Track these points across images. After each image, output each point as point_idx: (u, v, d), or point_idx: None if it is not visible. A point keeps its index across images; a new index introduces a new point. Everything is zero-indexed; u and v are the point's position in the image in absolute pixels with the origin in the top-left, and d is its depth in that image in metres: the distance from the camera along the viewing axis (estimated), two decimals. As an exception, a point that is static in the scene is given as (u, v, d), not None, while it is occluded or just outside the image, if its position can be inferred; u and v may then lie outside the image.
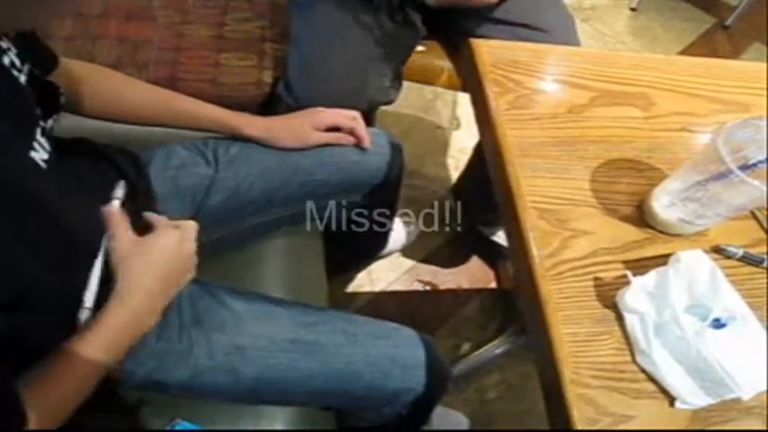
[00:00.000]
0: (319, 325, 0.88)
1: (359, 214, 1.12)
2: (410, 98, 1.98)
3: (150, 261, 0.71)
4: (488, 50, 0.87)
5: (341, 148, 1.01)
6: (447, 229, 1.74)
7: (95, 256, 0.70)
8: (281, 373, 0.83)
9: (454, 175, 1.85)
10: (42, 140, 0.64)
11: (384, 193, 1.11)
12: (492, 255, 1.71)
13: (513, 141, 0.79)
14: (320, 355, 0.84)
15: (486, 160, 0.82)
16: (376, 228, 1.40)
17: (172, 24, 1.27)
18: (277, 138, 0.96)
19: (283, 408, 0.89)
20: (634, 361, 0.67)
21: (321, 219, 1.09)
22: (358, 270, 1.63)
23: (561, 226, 0.74)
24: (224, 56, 1.25)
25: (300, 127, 0.98)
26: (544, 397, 0.68)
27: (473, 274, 1.69)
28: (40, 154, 0.62)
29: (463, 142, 1.92)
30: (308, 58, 1.14)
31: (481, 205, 1.60)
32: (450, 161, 1.90)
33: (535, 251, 0.71)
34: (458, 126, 1.97)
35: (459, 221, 1.74)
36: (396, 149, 1.08)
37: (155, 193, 0.90)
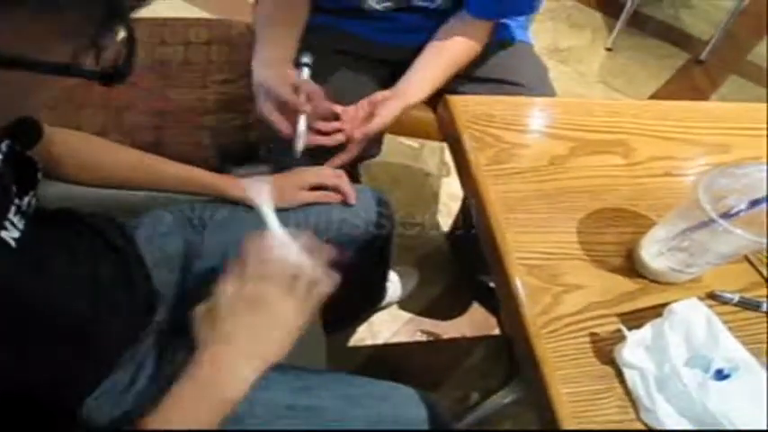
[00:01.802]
0: (317, 389, 0.86)
1: (351, 271, 1.11)
2: (397, 147, 1.99)
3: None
4: (465, 107, 0.87)
5: (326, 207, 1.01)
6: (445, 276, 1.73)
7: (84, 326, 0.69)
8: None
9: (447, 221, 1.84)
10: (15, 219, 0.63)
11: (375, 249, 1.11)
12: (493, 302, 1.69)
13: (496, 197, 0.78)
14: (319, 420, 0.82)
15: (472, 216, 0.81)
16: (370, 283, 1.40)
17: (155, 89, 1.28)
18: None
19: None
20: (639, 418, 0.65)
21: None
22: (357, 324, 1.61)
23: (552, 281, 0.72)
24: (207, 118, 1.26)
25: (286, 187, 0.98)
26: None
27: (475, 322, 1.67)
28: (10, 233, 0.62)
29: (453, 188, 1.93)
30: None
31: (476, 253, 1.58)
32: (441, 208, 1.90)
33: (527, 309, 0.69)
34: (447, 173, 1.98)
35: (456, 269, 1.73)
36: (383, 205, 1.07)
37: (144, 261, 0.89)
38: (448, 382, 1.54)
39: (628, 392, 0.66)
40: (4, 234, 0.61)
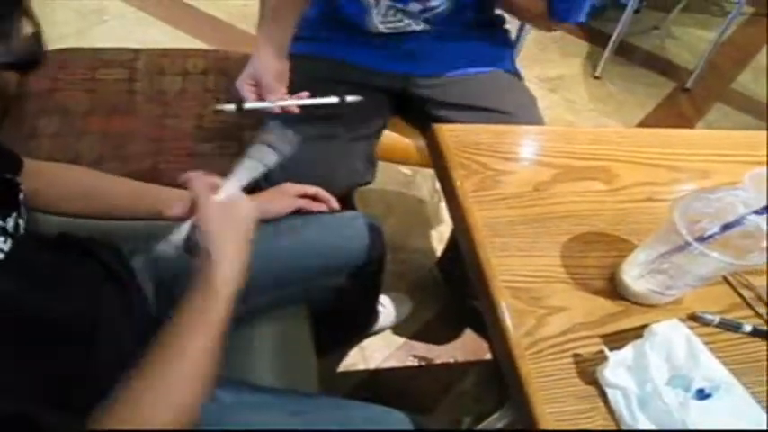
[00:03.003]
0: (310, 413, 0.86)
1: (343, 296, 1.12)
2: (390, 174, 2.03)
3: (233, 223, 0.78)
4: (452, 135, 0.90)
5: (320, 234, 1.03)
6: (438, 301, 1.74)
7: (83, 352, 0.70)
8: None
9: (439, 247, 1.86)
10: None
11: (367, 275, 1.12)
12: (484, 326, 1.69)
13: (481, 222, 0.80)
14: None
15: (459, 242, 0.83)
16: (362, 308, 1.41)
17: (153, 118, 1.31)
18: (263, 207, 0.97)
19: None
20: (621, 436, 0.66)
21: (305, 302, 1.09)
22: (348, 348, 1.62)
23: (536, 304, 0.74)
24: (203, 146, 1.29)
25: (276, 195, 1.02)
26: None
27: (468, 347, 1.68)
28: None
29: (446, 215, 1.94)
30: None
31: (466, 279, 1.60)
32: (434, 234, 1.92)
33: (512, 331, 0.71)
34: (440, 199, 2.00)
35: (448, 294, 1.74)
36: (375, 231, 1.09)
37: (142, 288, 0.90)
38: (440, 406, 1.55)
39: (611, 411, 0.68)
40: None
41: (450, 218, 0.86)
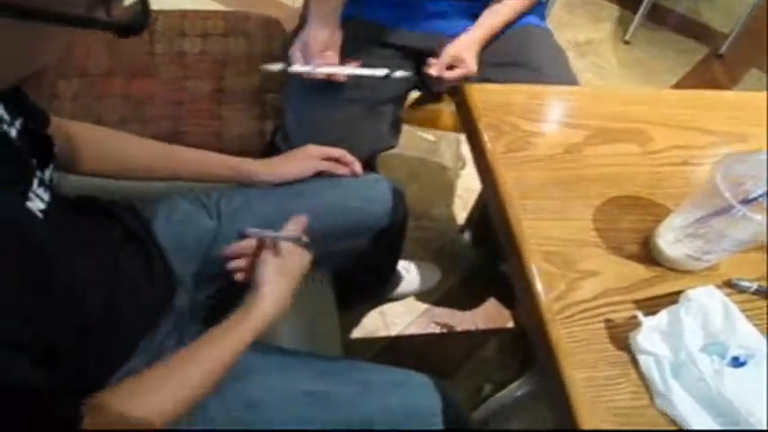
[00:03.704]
0: (333, 375, 0.86)
1: (365, 258, 1.11)
2: (414, 141, 1.99)
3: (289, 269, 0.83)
4: (482, 94, 0.88)
5: (343, 195, 1.02)
6: (460, 269, 1.73)
7: (105, 310, 0.71)
8: (296, 426, 0.81)
9: (463, 214, 1.84)
10: (39, 191, 0.65)
11: (389, 237, 1.11)
12: (508, 294, 1.68)
13: (512, 184, 0.78)
14: (335, 406, 0.83)
15: (488, 204, 0.82)
16: (383, 269, 1.40)
17: (173, 80, 1.30)
18: (279, 170, 1.00)
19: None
20: (653, 404, 0.65)
21: (329, 265, 1.09)
22: (368, 309, 1.61)
23: (567, 268, 0.73)
24: (225, 108, 1.27)
25: (297, 156, 1.02)
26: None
27: (489, 315, 1.67)
28: (36, 204, 0.63)
29: (470, 182, 1.92)
30: (302, 112, 1.16)
31: (497, 243, 1.58)
32: (458, 201, 1.89)
33: (542, 295, 0.70)
34: (463, 166, 1.97)
35: (473, 260, 1.73)
36: (397, 195, 1.08)
37: (162, 248, 0.90)
38: (461, 373, 1.55)
39: (642, 378, 0.66)
40: (30, 205, 0.62)
41: (480, 179, 0.84)
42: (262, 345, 0.89)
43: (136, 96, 1.26)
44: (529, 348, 1.60)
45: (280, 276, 0.81)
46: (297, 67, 1.06)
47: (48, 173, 0.68)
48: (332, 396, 0.83)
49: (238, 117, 1.27)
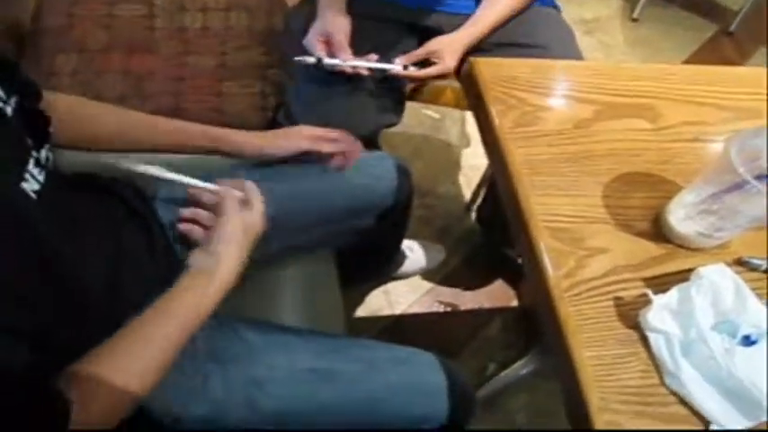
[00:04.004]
0: (337, 353, 0.86)
1: (369, 235, 1.10)
2: (418, 117, 1.98)
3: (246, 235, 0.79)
4: (488, 68, 0.86)
5: (347, 174, 1.00)
6: (465, 247, 1.72)
7: (108, 290, 0.70)
8: (301, 404, 0.81)
9: (467, 192, 1.83)
10: (35, 171, 0.64)
11: (393, 215, 1.10)
12: (513, 274, 1.68)
13: (520, 159, 0.77)
14: (339, 384, 0.83)
15: (496, 180, 0.80)
16: (387, 247, 1.39)
17: (174, 55, 1.28)
18: (266, 145, 0.94)
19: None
20: (663, 383, 0.64)
21: (334, 244, 1.08)
22: (372, 287, 1.61)
23: (576, 245, 0.71)
24: (226, 84, 1.26)
25: (288, 134, 0.96)
26: (570, 424, 0.65)
27: (494, 294, 1.66)
28: (30, 185, 0.62)
29: (475, 159, 1.91)
30: (305, 88, 1.14)
31: (503, 226, 1.57)
32: (462, 179, 1.88)
33: (551, 272, 0.69)
34: (468, 143, 1.96)
35: (478, 239, 1.72)
36: (402, 172, 1.07)
37: (165, 228, 0.89)
38: (465, 352, 1.54)
39: (652, 358, 0.65)
40: (25, 186, 0.61)
41: (487, 155, 0.82)
42: (265, 324, 0.89)
43: (135, 72, 1.24)
44: (533, 327, 1.62)
45: (240, 240, 0.78)
46: (329, 61, 1.06)
47: (44, 152, 0.67)
48: (336, 373, 0.83)
49: (239, 93, 1.25)
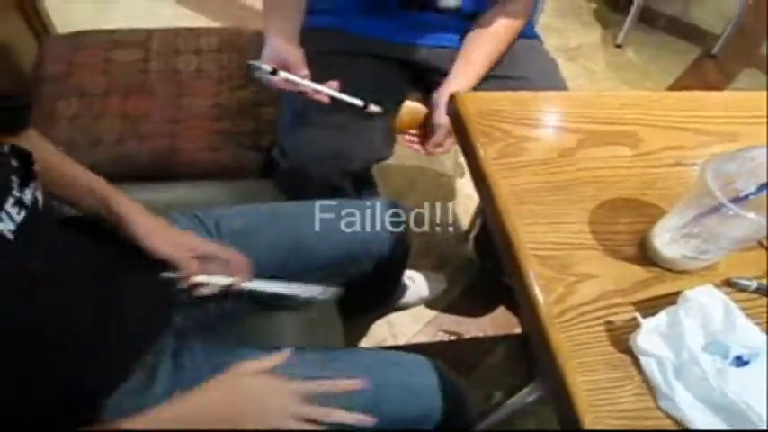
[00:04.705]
0: (333, 362, 0.87)
1: (368, 279, 1.11)
2: (411, 150, 1.99)
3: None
4: (473, 102, 0.88)
5: (344, 226, 1.02)
6: (466, 276, 1.74)
7: (101, 325, 0.70)
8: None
9: (465, 220, 1.85)
10: (12, 211, 0.63)
11: (390, 257, 1.10)
12: (514, 301, 1.67)
13: (506, 190, 0.79)
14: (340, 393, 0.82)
15: (485, 211, 0.82)
16: (387, 285, 1.40)
17: (169, 97, 1.31)
18: (154, 243, 0.86)
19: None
20: (657, 406, 0.65)
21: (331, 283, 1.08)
22: (374, 319, 1.61)
23: (564, 271, 0.73)
24: (221, 124, 1.28)
25: (176, 239, 0.89)
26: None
27: (497, 322, 1.67)
28: (5, 225, 0.62)
29: (470, 189, 1.92)
30: (294, 122, 1.16)
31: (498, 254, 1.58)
32: (459, 208, 1.90)
33: (541, 299, 0.70)
34: (462, 173, 1.98)
35: (479, 270, 1.74)
36: (397, 214, 1.08)
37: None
38: (470, 381, 1.54)
39: (645, 380, 0.66)
40: (0, 226, 0.61)
41: (475, 187, 0.84)
42: (261, 344, 0.89)
43: (132, 115, 1.27)
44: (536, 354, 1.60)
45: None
46: (285, 74, 1.01)
47: (28, 192, 0.67)
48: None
49: (233, 132, 1.28)
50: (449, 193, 1.94)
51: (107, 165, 1.18)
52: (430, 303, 1.67)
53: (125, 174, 1.15)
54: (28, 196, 0.67)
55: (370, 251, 1.05)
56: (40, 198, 0.70)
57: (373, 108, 1.10)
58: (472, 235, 1.78)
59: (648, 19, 2.64)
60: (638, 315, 0.68)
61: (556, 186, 0.81)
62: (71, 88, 1.30)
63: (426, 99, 1.27)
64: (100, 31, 1.43)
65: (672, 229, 0.73)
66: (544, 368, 0.69)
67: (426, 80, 1.28)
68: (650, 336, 0.66)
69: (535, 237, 0.75)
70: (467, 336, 1.64)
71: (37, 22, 1.44)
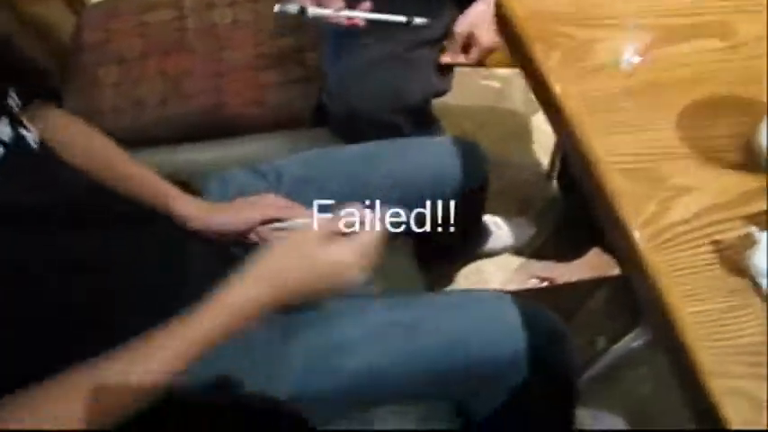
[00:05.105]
0: (415, 305, 0.83)
1: (444, 220, 1.04)
2: (478, 89, 1.88)
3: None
4: (521, 5, 0.77)
5: (415, 162, 0.97)
6: (551, 218, 1.63)
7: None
8: (385, 360, 0.77)
9: (544, 159, 1.73)
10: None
11: (469, 199, 1.05)
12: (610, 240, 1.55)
13: (574, 99, 0.68)
14: (421, 333, 0.79)
15: (553, 129, 0.73)
16: (468, 228, 1.33)
17: (209, 52, 1.29)
18: (213, 218, 0.85)
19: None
20: (791, 337, 0.53)
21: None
22: (459, 265, 1.55)
23: (655, 186, 0.62)
24: (265, 74, 1.25)
25: (235, 207, 0.87)
26: (684, 397, 0.56)
27: (593, 263, 1.55)
28: None
29: (546, 125, 1.79)
30: (344, 61, 1.11)
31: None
32: (536, 146, 1.78)
33: (630, 221, 0.59)
34: (536, 109, 1.83)
35: (565, 208, 1.63)
36: (474, 153, 1.02)
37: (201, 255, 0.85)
38: (569, 328, 1.43)
39: (768, 307, 0.55)
40: None
41: (538, 101, 0.74)
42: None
43: (172, 74, 1.26)
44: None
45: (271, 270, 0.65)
46: (315, 10, 0.98)
47: (4, 129, 0.63)
48: (417, 323, 0.79)
49: (280, 82, 1.23)
50: (524, 131, 1.82)
51: (154, 127, 1.18)
52: (518, 249, 1.57)
53: (174, 135, 1.17)
54: (6, 133, 0.62)
55: (444, 189, 0.99)
56: (32, 139, 0.66)
57: (418, 21, 1.01)
58: (556, 173, 1.66)
59: None
60: (753, 229, 0.57)
61: (633, 91, 0.69)
62: (110, 55, 1.29)
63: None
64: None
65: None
66: (645, 302, 0.59)
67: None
68: (770, 252, 0.55)
69: (615, 149, 0.64)
70: (560, 281, 1.54)
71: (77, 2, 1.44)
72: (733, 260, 0.57)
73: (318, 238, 0.65)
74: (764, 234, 0.56)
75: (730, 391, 0.51)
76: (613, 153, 0.64)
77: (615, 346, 1.36)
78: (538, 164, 1.74)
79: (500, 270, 1.55)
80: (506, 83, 1.91)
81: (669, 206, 0.60)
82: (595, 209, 0.65)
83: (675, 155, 0.64)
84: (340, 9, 0.98)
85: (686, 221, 0.59)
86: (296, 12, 0.96)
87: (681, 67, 0.72)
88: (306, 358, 0.75)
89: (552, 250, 1.58)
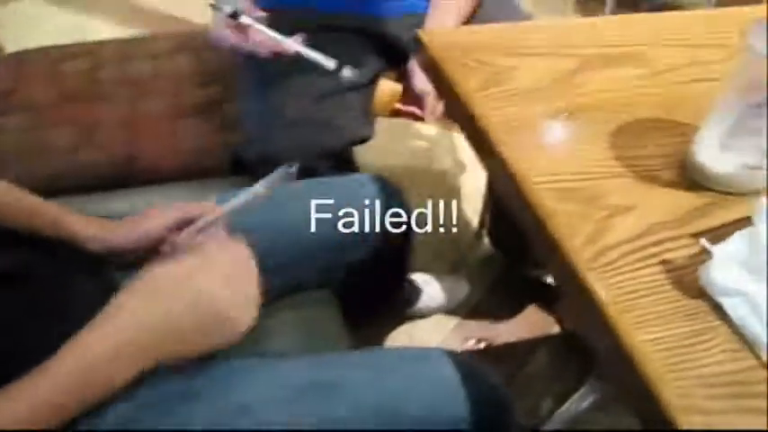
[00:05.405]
0: (338, 363, 0.75)
1: (367, 271, 0.98)
2: (408, 149, 1.89)
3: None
4: (441, 38, 0.75)
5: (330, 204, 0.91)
6: (486, 275, 1.58)
7: None
8: (309, 423, 0.67)
9: (474, 218, 1.70)
10: None
11: (391, 248, 0.98)
12: (547, 296, 1.52)
13: (496, 121, 0.64)
14: (346, 395, 0.70)
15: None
16: (391, 281, 1.26)
17: (124, 101, 1.25)
18: (108, 236, 0.80)
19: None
20: (759, 360, 0.47)
21: (329, 283, 0.97)
22: (390, 327, 1.46)
23: (592, 204, 0.57)
24: (183, 123, 1.21)
25: (135, 222, 0.82)
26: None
27: (531, 321, 1.50)
28: None
29: (475, 182, 1.79)
30: (261, 107, 1.07)
31: (521, 247, 1.43)
32: (466, 205, 1.76)
33: (566, 241, 0.54)
34: (464, 168, 1.86)
35: (500, 264, 1.59)
36: (392, 193, 0.96)
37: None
38: (512, 391, 1.37)
39: (734, 329, 0.49)
40: None
41: (459, 127, 0.70)
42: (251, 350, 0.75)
43: (85, 122, 1.21)
44: (583, 352, 1.44)
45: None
46: (247, 18, 0.93)
47: None
48: (341, 384, 0.70)
49: (196, 131, 1.19)
50: (453, 190, 1.81)
51: (64, 175, 1.13)
52: (452, 309, 1.51)
53: (85, 183, 1.12)
54: None
55: (366, 236, 0.93)
56: None
57: (347, 72, 0.96)
58: (486, 229, 1.63)
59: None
60: (704, 242, 0.52)
61: (558, 112, 0.66)
62: (16, 102, 1.25)
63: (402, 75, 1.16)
64: (46, 47, 1.39)
65: (717, 135, 0.57)
66: (592, 333, 0.53)
67: (401, 56, 1.17)
68: (727, 268, 0.50)
69: (547, 168, 0.59)
70: (498, 341, 1.47)
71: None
72: (687, 280, 0.52)
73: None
74: (719, 247, 0.51)
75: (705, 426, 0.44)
76: (544, 172, 0.59)
77: (561, 409, 1.30)
78: (468, 222, 1.72)
79: (434, 331, 1.48)
80: (433, 143, 1.92)
81: (608, 225, 0.55)
82: (530, 237, 0.60)
83: (610, 173, 0.60)
84: (268, 27, 0.94)
85: (629, 241, 0.54)
86: (229, 12, 0.92)
87: (604, 91, 0.70)
88: (207, 416, 0.66)
89: (488, 309, 1.52)
